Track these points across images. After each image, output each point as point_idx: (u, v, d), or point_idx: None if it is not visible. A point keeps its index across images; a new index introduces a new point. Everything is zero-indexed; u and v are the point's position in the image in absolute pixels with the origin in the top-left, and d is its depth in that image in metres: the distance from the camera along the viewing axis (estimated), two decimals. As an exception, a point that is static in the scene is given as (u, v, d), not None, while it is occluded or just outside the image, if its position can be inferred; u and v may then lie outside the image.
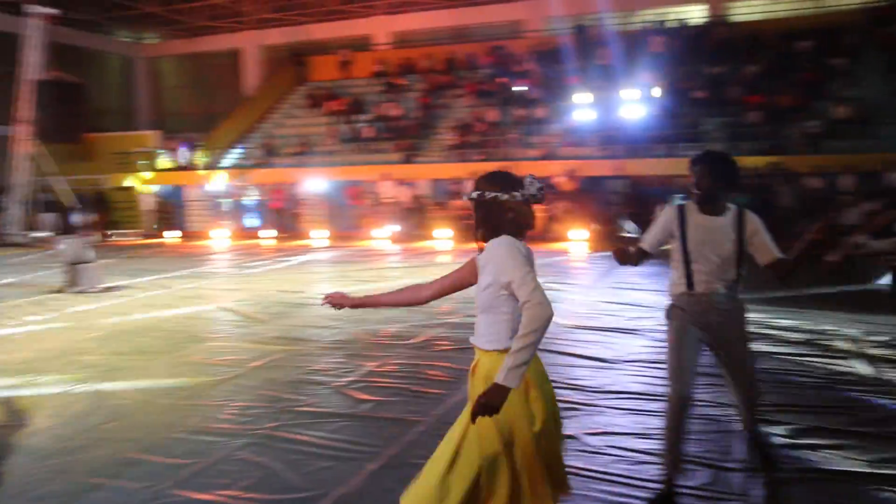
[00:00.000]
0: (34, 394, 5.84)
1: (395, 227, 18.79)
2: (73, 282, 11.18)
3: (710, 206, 3.65)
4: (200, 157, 23.89)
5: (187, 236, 21.74)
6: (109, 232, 21.28)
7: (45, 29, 20.84)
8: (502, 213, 2.73)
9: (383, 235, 18.77)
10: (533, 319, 2.50)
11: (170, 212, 23.27)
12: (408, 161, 20.92)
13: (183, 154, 24.23)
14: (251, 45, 30.23)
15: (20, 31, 21.08)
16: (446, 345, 7.11)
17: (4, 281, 12.67)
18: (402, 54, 26.29)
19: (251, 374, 6.20)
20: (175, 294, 10.86)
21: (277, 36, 29.26)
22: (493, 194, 2.75)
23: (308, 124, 24.70)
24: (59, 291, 11.12)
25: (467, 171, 19.13)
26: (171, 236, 21.89)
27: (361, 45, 27.96)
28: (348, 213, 20.30)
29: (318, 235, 19.67)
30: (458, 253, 15.62)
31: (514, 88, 22.20)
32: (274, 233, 20.43)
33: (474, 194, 2.79)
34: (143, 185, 23.60)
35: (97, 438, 4.78)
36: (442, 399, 5.39)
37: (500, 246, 2.66)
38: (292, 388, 5.75)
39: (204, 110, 29.29)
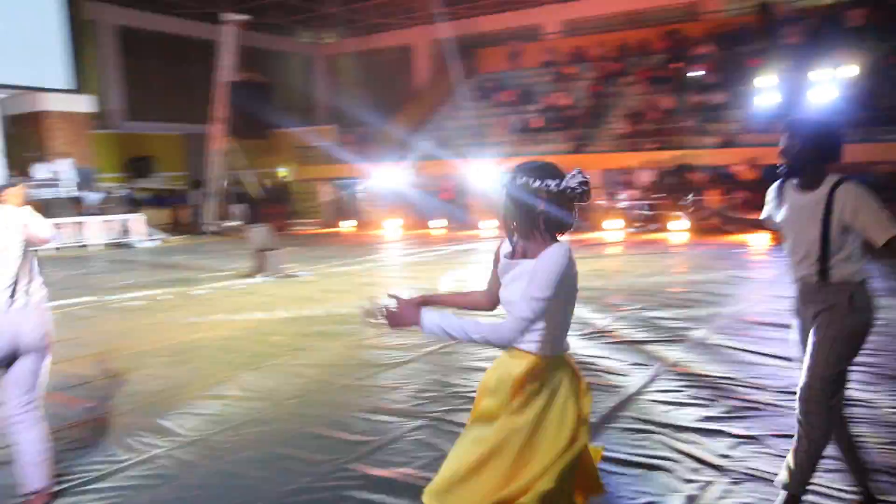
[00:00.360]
0: (228, 369, 6.34)
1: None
2: (260, 267, 12.02)
3: (800, 179, 3.19)
4: (375, 150, 24.81)
5: (362, 226, 22.71)
6: (291, 221, 22.70)
7: (237, 34, 22.53)
8: (531, 202, 2.45)
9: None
10: (497, 330, 2.34)
11: (346, 202, 24.41)
12: (577, 151, 20.63)
13: (357, 147, 25.27)
14: (422, 39, 30.97)
15: (216, 37, 22.94)
16: (618, 337, 6.94)
17: (200, 266, 13.84)
18: (572, 43, 25.94)
19: (423, 359, 6.36)
20: (351, 280, 11.39)
21: (447, 30, 29.78)
22: (524, 179, 2.46)
23: (477, 116, 24.98)
24: (247, 276, 12.00)
25: (639, 160, 18.61)
26: (347, 226, 22.95)
27: (530, 35, 27.88)
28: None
29: (487, 226, 19.87)
30: (628, 244, 15.22)
31: (689, 74, 21.27)
32: (444, 223, 20.87)
33: (507, 178, 2.53)
34: (321, 177, 24.90)
35: (284, 413, 5.11)
36: (615, 391, 5.27)
37: (558, 257, 2.36)
38: (463, 374, 5.84)
39: (378, 105, 30.42)
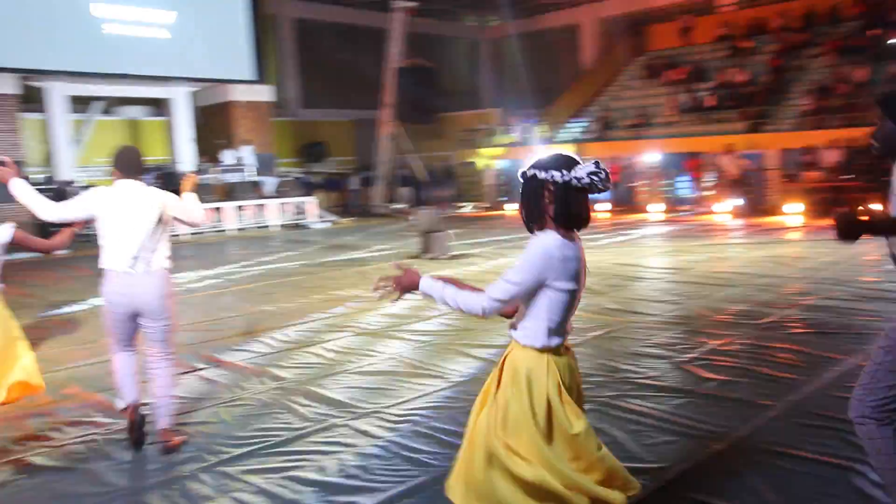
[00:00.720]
0: (399, 347, 6.55)
1: (738, 201, 17.59)
2: (427, 249, 12.33)
3: (888, 159, 2.80)
4: (539, 133, 24.67)
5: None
6: (457, 204, 23.10)
7: (405, 21, 23.12)
8: (539, 194, 2.48)
9: (724, 210, 17.70)
10: (468, 301, 2.45)
11: (510, 185, 24.45)
12: (754, 130, 19.38)
13: (522, 130, 25.21)
14: (589, 18, 30.30)
15: (385, 25, 23.67)
16: (800, 327, 6.49)
17: (370, 247, 14.40)
18: (750, 14, 24.34)
19: (591, 344, 6.27)
20: (513, 262, 11.39)
21: (615, 7, 28.96)
22: (533, 171, 2.48)
23: (646, 95, 24.15)
24: (414, 257, 12.35)
25: (824, 139, 17.24)
26: (511, 208, 22.99)
27: (703, 8, 26.47)
28: (687, 187, 19.53)
29: (654, 209, 19.22)
30: (808, 230, 14.17)
31: (890, 41, 19.32)
32: (609, 206, 20.40)
33: (520, 171, 2.55)
34: (486, 160, 25.11)
35: (453, 392, 5.24)
36: (796, 385, 4.93)
37: (540, 243, 2.47)
38: (632, 360, 5.70)
39: (543, 86, 30.17)
